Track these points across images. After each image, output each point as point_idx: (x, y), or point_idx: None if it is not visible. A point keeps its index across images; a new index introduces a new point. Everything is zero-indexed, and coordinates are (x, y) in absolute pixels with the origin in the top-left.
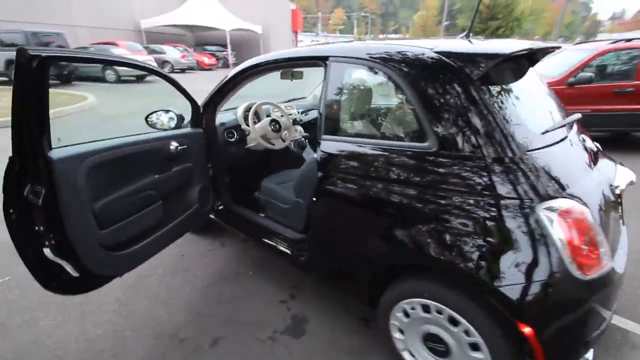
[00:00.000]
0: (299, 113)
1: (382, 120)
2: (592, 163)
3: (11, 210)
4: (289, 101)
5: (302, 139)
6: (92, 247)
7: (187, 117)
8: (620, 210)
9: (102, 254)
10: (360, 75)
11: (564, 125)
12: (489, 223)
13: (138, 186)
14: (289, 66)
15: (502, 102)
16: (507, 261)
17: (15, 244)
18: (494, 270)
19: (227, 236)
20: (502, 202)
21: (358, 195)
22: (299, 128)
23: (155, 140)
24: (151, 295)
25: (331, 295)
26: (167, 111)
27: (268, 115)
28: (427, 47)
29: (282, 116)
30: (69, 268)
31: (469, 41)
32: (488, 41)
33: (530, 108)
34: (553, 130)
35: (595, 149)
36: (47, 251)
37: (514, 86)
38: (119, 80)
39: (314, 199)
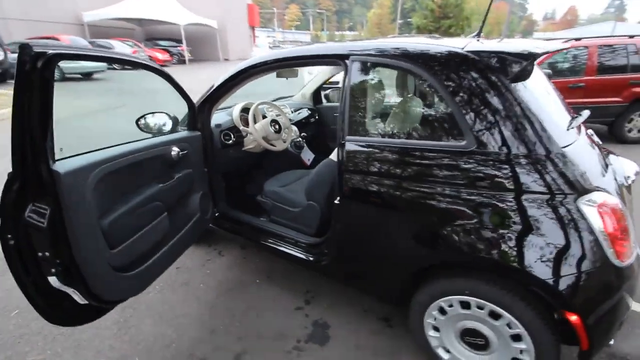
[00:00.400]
0: (291, 112)
1: (412, 120)
2: (605, 157)
3: (9, 236)
4: (276, 100)
5: (300, 139)
6: (103, 270)
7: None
8: (632, 199)
9: (113, 277)
10: (386, 74)
11: (583, 121)
12: (534, 219)
13: (144, 198)
14: (301, 64)
15: (532, 100)
16: (553, 254)
17: (14, 274)
18: (542, 264)
19: (223, 244)
20: (545, 197)
21: (391, 196)
22: (294, 128)
23: (157, 146)
24: (154, 314)
25: (348, 297)
26: (161, 113)
27: (264, 116)
28: (458, 46)
29: (278, 116)
30: (76, 296)
31: (480, 41)
32: (510, 40)
33: (551, 105)
34: (575, 126)
35: (601, 144)
36: (52, 280)
37: (533, 84)
38: (63, 78)
39: (337, 201)
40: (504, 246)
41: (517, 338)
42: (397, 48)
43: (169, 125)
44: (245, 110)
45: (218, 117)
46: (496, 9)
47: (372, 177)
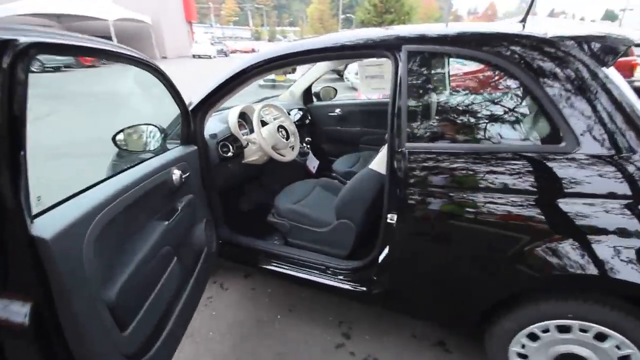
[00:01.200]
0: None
1: (493, 121)
2: None
3: None
4: (261, 100)
5: (304, 144)
6: None
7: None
8: None
9: None
10: (455, 66)
11: None
12: None
13: (152, 245)
14: (331, 58)
15: (627, 91)
16: None
17: None
18: None
19: (222, 275)
20: None
21: (474, 211)
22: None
23: (157, 172)
24: None
25: (388, 322)
26: (147, 125)
27: (263, 122)
28: (540, 32)
29: (276, 118)
30: None
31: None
32: (589, 24)
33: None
34: None
35: None
36: None
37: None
38: None
39: (391, 220)
40: (625, 263)
41: (625, 359)
42: (467, 34)
43: (158, 141)
44: (244, 115)
45: (210, 126)
46: (427, 4)
47: (447, 191)
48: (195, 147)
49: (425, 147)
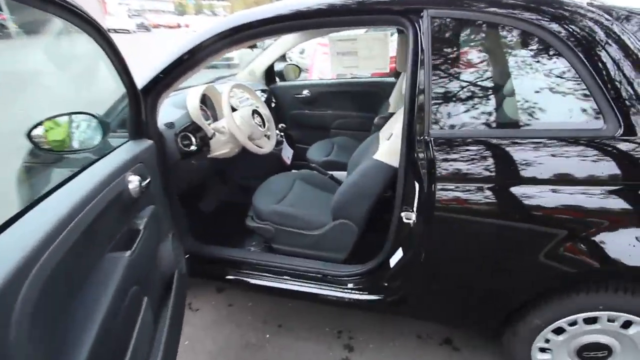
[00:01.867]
0: None
1: (533, 102)
2: None
3: None
4: (215, 80)
5: (279, 133)
6: None
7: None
8: None
9: None
10: (485, 36)
11: None
12: None
13: (114, 290)
14: (327, 24)
15: None
16: None
17: None
18: None
19: (189, 293)
20: None
21: (513, 204)
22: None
23: (109, 182)
24: None
25: (390, 327)
26: (80, 114)
27: (233, 107)
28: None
29: (242, 102)
30: None
31: None
32: None
33: None
34: None
35: None
36: None
37: None
38: None
39: (409, 219)
40: None
41: None
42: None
43: (96, 135)
44: (206, 98)
45: (164, 113)
46: None
47: (481, 184)
48: (151, 142)
49: (454, 133)
